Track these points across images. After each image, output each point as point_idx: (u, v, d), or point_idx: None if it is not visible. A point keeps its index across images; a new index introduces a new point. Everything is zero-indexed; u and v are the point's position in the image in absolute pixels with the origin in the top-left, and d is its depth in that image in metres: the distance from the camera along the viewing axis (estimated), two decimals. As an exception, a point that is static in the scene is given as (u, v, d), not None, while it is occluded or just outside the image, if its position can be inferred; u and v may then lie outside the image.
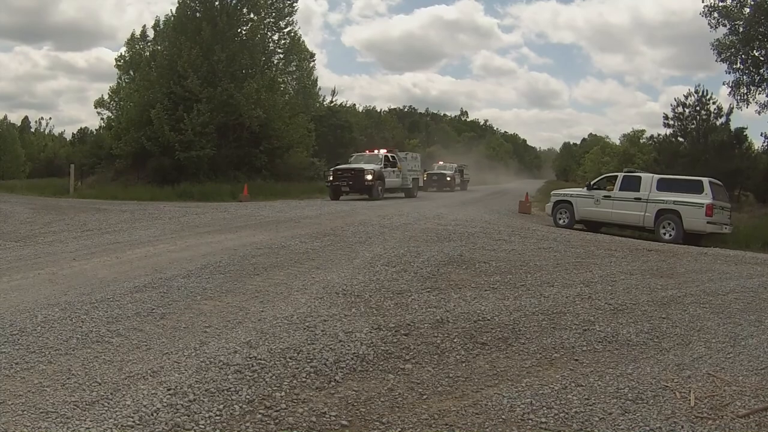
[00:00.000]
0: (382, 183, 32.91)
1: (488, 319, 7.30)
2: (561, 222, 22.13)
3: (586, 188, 22.40)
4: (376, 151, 36.19)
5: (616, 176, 21.75)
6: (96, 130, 58.49)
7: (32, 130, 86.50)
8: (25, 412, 4.48)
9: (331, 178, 32.41)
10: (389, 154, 35.77)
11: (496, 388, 5.30)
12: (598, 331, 7.03)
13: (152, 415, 4.49)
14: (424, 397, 5.10)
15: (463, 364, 5.85)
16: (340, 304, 7.77)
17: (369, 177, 31.47)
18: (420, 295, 8.40)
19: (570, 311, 7.85)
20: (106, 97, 52.58)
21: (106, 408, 4.58)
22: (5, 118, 79.22)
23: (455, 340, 6.51)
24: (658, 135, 42.84)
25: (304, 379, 5.30)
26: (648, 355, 6.34)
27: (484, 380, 5.48)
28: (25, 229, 16.00)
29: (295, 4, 40.38)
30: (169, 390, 4.91)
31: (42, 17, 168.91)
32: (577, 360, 6.09)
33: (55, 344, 5.94)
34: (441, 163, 57.25)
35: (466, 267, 10.46)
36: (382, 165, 33.48)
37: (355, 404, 4.89)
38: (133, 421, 4.38)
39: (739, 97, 32.37)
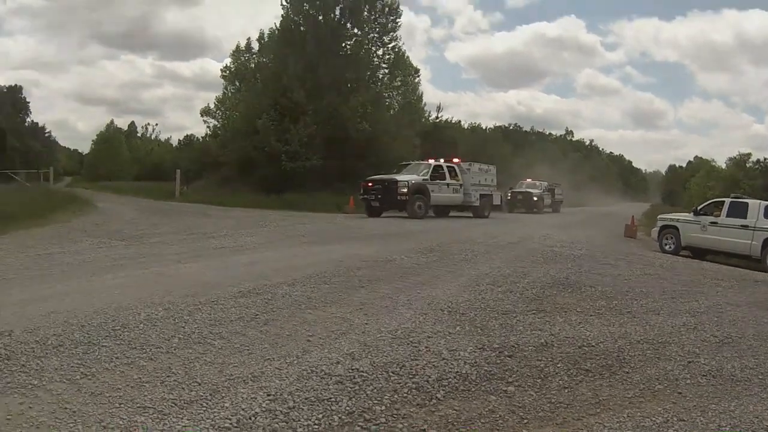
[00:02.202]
0: (425, 198, 27.32)
1: (593, 345, 6.99)
2: (667, 248, 21.15)
3: (692, 213, 21.44)
4: (431, 161, 30.06)
5: (723, 202, 20.56)
6: (202, 137, 59.89)
7: (139, 135, 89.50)
8: (122, 406, 4.50)
9: (362, 191, 27.90)
10: (446, 164, 29.72)
11: (598, 417, 5.06)
12: (702, 364, 6.63)
13: (250, 419, 4.43)
14: (525, 421, 4.90)
15: (566, 390, 5.61)
16: (445, 321, 7.54)
17: (403, 190, 26.22)
18: (525, 316, 8.10)
19: (675, 341, 7.45)
20: (212, 106, 53.98)
21: (204, 408, 4.55)
22: (112, 122, 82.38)
23: (559, 365, 6.25)
24: (765, 159, 41.04)
25: (405, 395, 5.15)
26: (752, 393, 5.92)
27: (586, 408, 5.24)
28: (130, 230, 16.48)
29: (398, 20, 40.74)
30: (269, 395, 4.84)
31: (147, 27, 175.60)
32: (680, 393, 5.75)
33: (156, 342, 5.94)
34: (529, 180, 48.78)
35: (571, 290, 10.08)
36: (427, 176, 27.91)
37: (455, 424, 4.73)
38: (231, 423, 4.34)
39: None
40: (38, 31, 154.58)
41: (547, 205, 46.74)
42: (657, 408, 5.32)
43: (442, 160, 30.34)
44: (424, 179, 27.66)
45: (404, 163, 31.25)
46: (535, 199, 44.15)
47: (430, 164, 29.09)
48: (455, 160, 31.38)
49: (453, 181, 29.57)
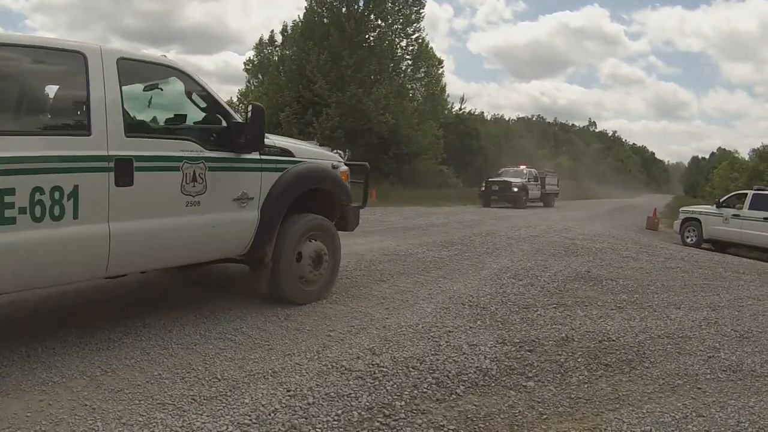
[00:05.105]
0: None
1: (613, 340, 6.93)
2: (689, 240, 21.36)
3: (715, 206, 21.50)
4: None
5: (746, 194, 20.59)
6: (225, 131, 60.08)
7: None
8: (141, 402, 4.51)
9: None
10: None
11: (617, 413, 5.00)
12: (722, 359, 6.55)
13: (270, 415, 4.42)
14: (544, 416, 4.85)
15: (585, 385, 5.55)
16: (466, 315, 7.49)
17: None
18: (546, 310, 8.04)
19: (696, 336, 7.36)
20: (234, 99, 54.04)
21: (224, 404, 4.55)
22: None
23: (579, 360, 6.19)
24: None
25: (425, 390, 5.13)
26: (771, 388, 5.87)
27: (605, 403, 5.18)
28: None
29: (422, 11, 40.68)
30: (288, 391, 4.82)
31: (169, 22, 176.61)
32: (699, 388, 5.68)
33: (177, 339, 5.96)
34: (512, 168, 40.91)
35: (593, 284, 10.02)
36: None
37: (474, 419, 4.69)
38: (250, 420, 4.33)
39: None
40: (60, 26, 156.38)
41: (535, 198, 39.72)
42: (676, 403, 5.28)
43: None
44: None
45: None
46: (516, 190, 36.46)
47: None
48: None
49: None
